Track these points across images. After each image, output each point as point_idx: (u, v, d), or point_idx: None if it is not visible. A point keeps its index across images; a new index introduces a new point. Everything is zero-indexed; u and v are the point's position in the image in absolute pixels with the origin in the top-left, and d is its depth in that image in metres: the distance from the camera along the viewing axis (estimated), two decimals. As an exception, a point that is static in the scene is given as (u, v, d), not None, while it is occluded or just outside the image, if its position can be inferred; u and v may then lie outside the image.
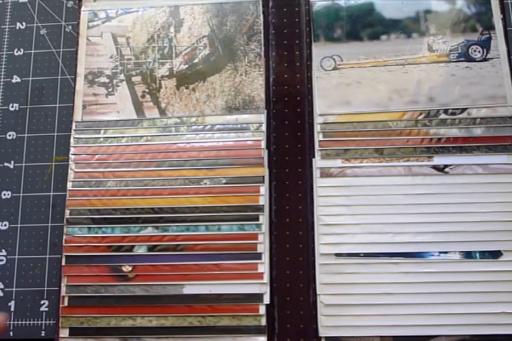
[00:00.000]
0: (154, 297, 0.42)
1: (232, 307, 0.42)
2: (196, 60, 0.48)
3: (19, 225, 0.47)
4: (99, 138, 0.47)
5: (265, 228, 0.43)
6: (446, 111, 0.45)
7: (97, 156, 0.46)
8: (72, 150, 0.47)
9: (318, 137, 0.45)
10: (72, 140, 0.47)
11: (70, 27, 0.52)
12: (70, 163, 0.46)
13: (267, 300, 0.42)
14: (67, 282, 0.43)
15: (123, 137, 0.47)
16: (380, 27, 0.48)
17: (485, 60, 0.46)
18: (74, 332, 0.42)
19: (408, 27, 0.48)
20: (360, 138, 0.45)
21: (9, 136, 0.50)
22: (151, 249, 0.43)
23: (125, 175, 0.45)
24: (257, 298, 0.42)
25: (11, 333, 0.45)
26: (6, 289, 0.46)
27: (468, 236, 0.42)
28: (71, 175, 0.46)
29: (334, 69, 0.47)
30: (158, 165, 0.45)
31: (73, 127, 0.47)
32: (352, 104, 0.46)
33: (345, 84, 0.47)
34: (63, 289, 0.43)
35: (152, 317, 0.42)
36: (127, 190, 0.45)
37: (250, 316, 0.42)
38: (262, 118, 0.46)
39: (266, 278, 0.42)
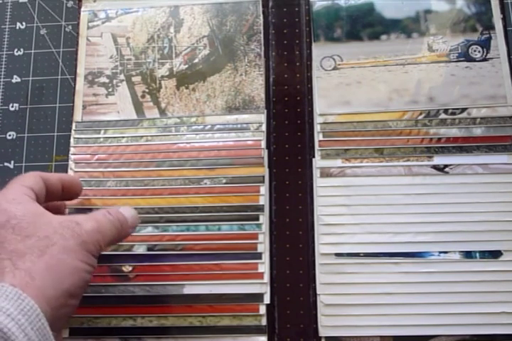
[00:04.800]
0: (154, 297, 0.42)
1: (233, 307, 0.42)
2: (196, 60, 0.48)
3: (19, 225, 0.47)
4: (99, 138, 0.47)
5: (265, 228, 0.43)
6: (446, 111, 0.45)
7: (97, 156, 0.46)
8: (72, 150, 0.47)
9: (318, 137, 0.45)
10: (72, 140, 0.47)
11: (70, 27, 0.52)
12: (70, 162, 0.46)
13: (267, 300, 0.42)
14: (68, 282, 0.43)
15: (123, 137, 0.47)
16: (380, 27, 0.48)
17: (485, 59, 0.46)
18: (74, 332, 0.42)
19: (408, 27, 0.48)
20: (360, 138, 0.45)
21: (9, 136, 0.50)
22: (151, 248, 0.43)
23: (125, 175, 0.45)
24: (257, 297, 0.42)
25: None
26: (6, 289, 0.46)
27: (468, 236, 0.42)
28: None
29: (334, 69, 0.47)
30: (159, 165, 0.45)
31: (73, 127, 0.47)
32: (352, 103, 0.46)
33: (345, 84, 0.47)
34: (63, 289, 0.43)
35: (152, 317, 0.42)
36: (127, 189, 0.45)
37: (250, 316, 0.42)
38: (262, 118, 0.46)
39: (266, 278, 0.42)
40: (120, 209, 0.38)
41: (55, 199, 0.39)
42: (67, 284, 0.31)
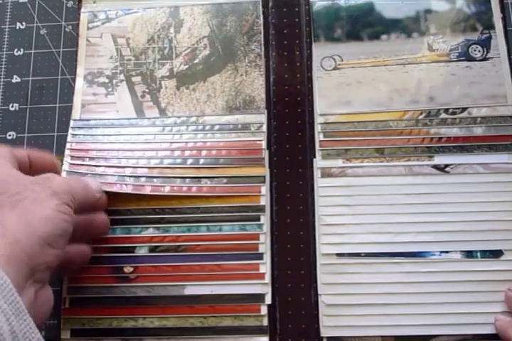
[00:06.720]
0: (156, 298, 0.42)
1: (234, 308, 0.42)
2: (196, 61, 0.48)
3: (20, 226, 0.47)
4: (97, 136, 0.46)
5: (266, 228, 0.43)
6: (446, 111, 0.45)
7: (93, 154, 0.46)
8: (68, 151, 0.46)
9: (318, 137, 0.45)
10: (69, 137, 0.47)
11: (70, 27, 0.52)
12: (65, 163, 0.46)
13: (268, 300, 0.42)
14: (68, 283, 0.43)
15: (121, 135, 0.46)
16: (380, 27, 0.48)
17: (485, 59, 0.46)
18: (75, 333, 0.42)
19: (408, 26, 0.47)
20: (360, 138, 0.45)
21: (9, 136, 0.50)
22: (152, 249, 0.43)
23: (125, 176, 0.45)
24: (259, 298, 0.42)
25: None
26: (7, 290, 0.46)
27: (469, 236, 0.42)
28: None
29: (334, 69, 0.47)
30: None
31: (71, 124, 0.47)
32: (352, 103, 0.46)
33: (346, 84, 0.47)
34: (64, 290, 0.43)
35: (154, 318, 0.42)
36: (128, 190, 0.45)
37: (252, 316, 0.42)
38: (263, 118, 0.46)
39: (267, 279, 0.42)
40: (81, 177, 0.42)
41: (25, 171, 0.39)
42: (41, 232, 0.32)
